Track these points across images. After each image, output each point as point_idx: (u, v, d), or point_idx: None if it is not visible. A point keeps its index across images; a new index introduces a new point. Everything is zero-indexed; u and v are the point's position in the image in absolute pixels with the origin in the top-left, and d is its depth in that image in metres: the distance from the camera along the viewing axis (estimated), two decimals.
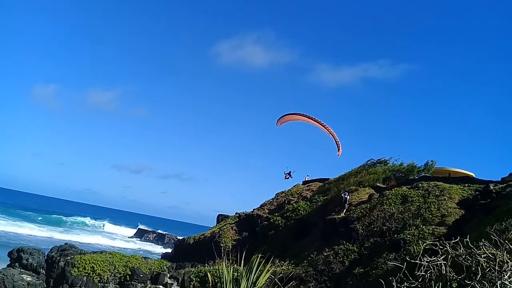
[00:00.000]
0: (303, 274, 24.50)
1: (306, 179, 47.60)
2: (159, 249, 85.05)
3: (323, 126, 32.00)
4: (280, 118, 31.72)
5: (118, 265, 29.41)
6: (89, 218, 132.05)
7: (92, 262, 28.65)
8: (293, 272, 24.59)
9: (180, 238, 66.66)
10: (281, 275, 22.66)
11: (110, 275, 28.78)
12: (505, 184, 24.84)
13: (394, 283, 7.34)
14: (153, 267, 31.54)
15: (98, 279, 28.34)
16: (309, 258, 26.43)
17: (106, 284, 28.61)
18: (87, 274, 28.12)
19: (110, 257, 30.07)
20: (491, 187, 24.73)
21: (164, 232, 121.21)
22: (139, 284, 29.38)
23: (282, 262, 27.84)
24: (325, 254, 25.44)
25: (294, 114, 33.39)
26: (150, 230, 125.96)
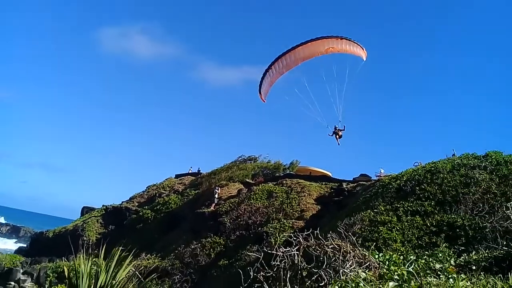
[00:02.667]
0: (169, 267, 24.43)
1: (198, 170, 46.29)
2: (12, 244, 76.78)
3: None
4: (261, 86, 18.06)
5: None
6: None
7: None
8: (158, 265, 24.35)
9: (38, 231, 61.01)
10: (145, 268, 22.30)
11: None
12: (355, 184, 27.92)
13: (251, 273, 7.86)
14: (3, 263, 28.50)
15: None
16: (177, 251, 26.45)
17: None
18: None
19: None
20: (344, 186, 27.58)
21: (20, 225, 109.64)
22: None
23: (150, 255, 27.39)
24: (192, 247, 25.71)
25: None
26: (3, 222, 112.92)
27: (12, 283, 27.80)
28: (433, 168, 19.30)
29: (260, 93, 17.88)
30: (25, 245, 58.97)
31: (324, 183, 29.80)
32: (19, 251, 48.00)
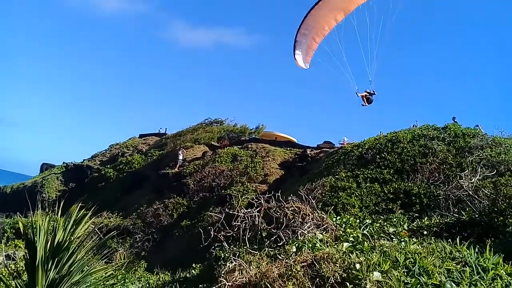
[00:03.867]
0: (131, 226, 24.45)
1: (165, 131, 45.20)
2: None
3: None
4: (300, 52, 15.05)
5: None
6: None
7: None
8: (120, 224, 24.32)
9: None
10: (106, 226, 22.21)
11: None
12: (319, 150, 28.39)
13: (212, 232, 7.97)
14: None
15: None
16: (139, 211, 26.44)
17: None
18: None
19: None
20: (308, 152, 28.02)
21: None
22: None
23: (111, 214, 27.25)
24: (155, 207, 25.75)
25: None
26: None
27: None
28: (394, 138, 19.81)
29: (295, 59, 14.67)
30: None
31: (288, 148, 30.16)
32: None
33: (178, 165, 31.06)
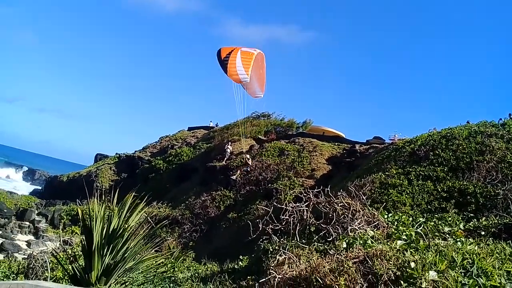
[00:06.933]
0: (179, 217, 25.04)
1: (216, 125, 46.36)
2: (28, 186, 78.84)
3: None
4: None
5: None
6: None
7: None
8: (169, 214, 24.98)
9: (53, 175, 62.51)
10: (156, 216, 22.89)
11: None
12: (368, 146, 27.76)
13: (260, 225, 7.98)
14: (19, 203, 29.45)
15: None
16: (187, 202, 27.02)
17: None
18: None
19: None
20: (357, 147, 27.48)
21: (35, 168, 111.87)
22: (2, 220, 27.29)
23: (160, 204, 28.05)
24: (202, 198, 26.21)
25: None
26: (18, 164, 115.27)
27: (27, 222, 28.90)
28: (448, 134, 19.01)
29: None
30: (40, 188, 60.65)
31: (336, 143, 29.72)
32: (34, 193, 49.47)
33: (225, 158, 31.42)
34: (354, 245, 5.57)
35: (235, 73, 17.05)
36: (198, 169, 33.27)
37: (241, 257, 9.11)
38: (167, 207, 27.44)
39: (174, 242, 16.83)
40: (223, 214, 24.47)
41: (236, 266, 8.59)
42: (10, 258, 17.09)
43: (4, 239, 25.16)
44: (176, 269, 9.47)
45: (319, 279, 4.35)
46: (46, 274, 9.18)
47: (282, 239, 7.18)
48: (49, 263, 9.34)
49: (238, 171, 27.33)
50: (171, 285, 7.60)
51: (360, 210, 7.80)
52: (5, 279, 9.82)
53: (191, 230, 23.60)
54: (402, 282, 4.19)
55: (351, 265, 4.45)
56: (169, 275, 8.35)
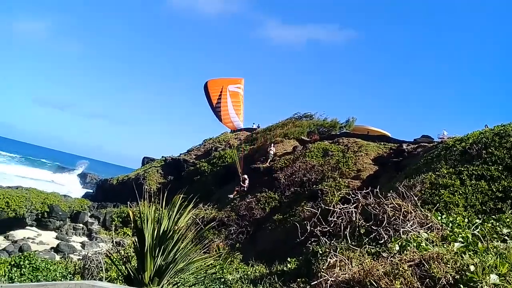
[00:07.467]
0: (226, 219, 25.29)
1: (258, 126, 46.95)
2: (80, 189, 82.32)
3: None
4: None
5: (35, 202, 28.26)
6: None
7: (7, 197, 27.18)
8: (215, 216, 25.29)
9: (103, 178, 64.95)
10: (203, 218, 23.24)
11: (27, 211, 27.62)
12: (416, 145, 26.91)
13: (308, 227, 7.91)
14: (73, 206, 30.76)
15: (13, 214, 27.04)
16: (232, 204, 27.24)
17: (22, 220, 27.50)
18: (1, 209, 26.66)
19: (26, 193, 28.73)
20: (404, 147, 26.70)
21: (87, 172, 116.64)
22: (58, 222, 28.64)
23: (206, 206, 28.45)
24: (247, 200, 26.34)
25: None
26: (71, 168, 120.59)
27: (81, 224, 30.19)
28: (502, 131, 18.08)
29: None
30: (91, 191, 63.17)
31: (382, 143, 29.01)
32: (86, 196, 51.55)
33: (269, 160, 31.45)
34: (408, 247, 5.40)
35: (229, 121, 17.76)
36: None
37: (289, 259, 9.05)
38: (213, 209, 27.80)
39: (221, 243, 17.02)
40: (268, 215, 24.48)
41: (285, 268, 8.55)
42: (67, 259, 17.86)
43: (60, 241, 26.39)
44: (224, 270, 9.56)
45: (374, 283, 4.24)
46: (101, 274, 9.54)
47: (331, 241, 7.07)
48: (103, 264, 9.68)
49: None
50: (221, 286, 7.67)
51: (412, 211, 7.55)
52: (62, 279, 10.26)
53: (237, 232, 23.78)
54: (461, 286, 4.02)
55: (406, 268, 4.32)
56: (219, 276, 8.44)
